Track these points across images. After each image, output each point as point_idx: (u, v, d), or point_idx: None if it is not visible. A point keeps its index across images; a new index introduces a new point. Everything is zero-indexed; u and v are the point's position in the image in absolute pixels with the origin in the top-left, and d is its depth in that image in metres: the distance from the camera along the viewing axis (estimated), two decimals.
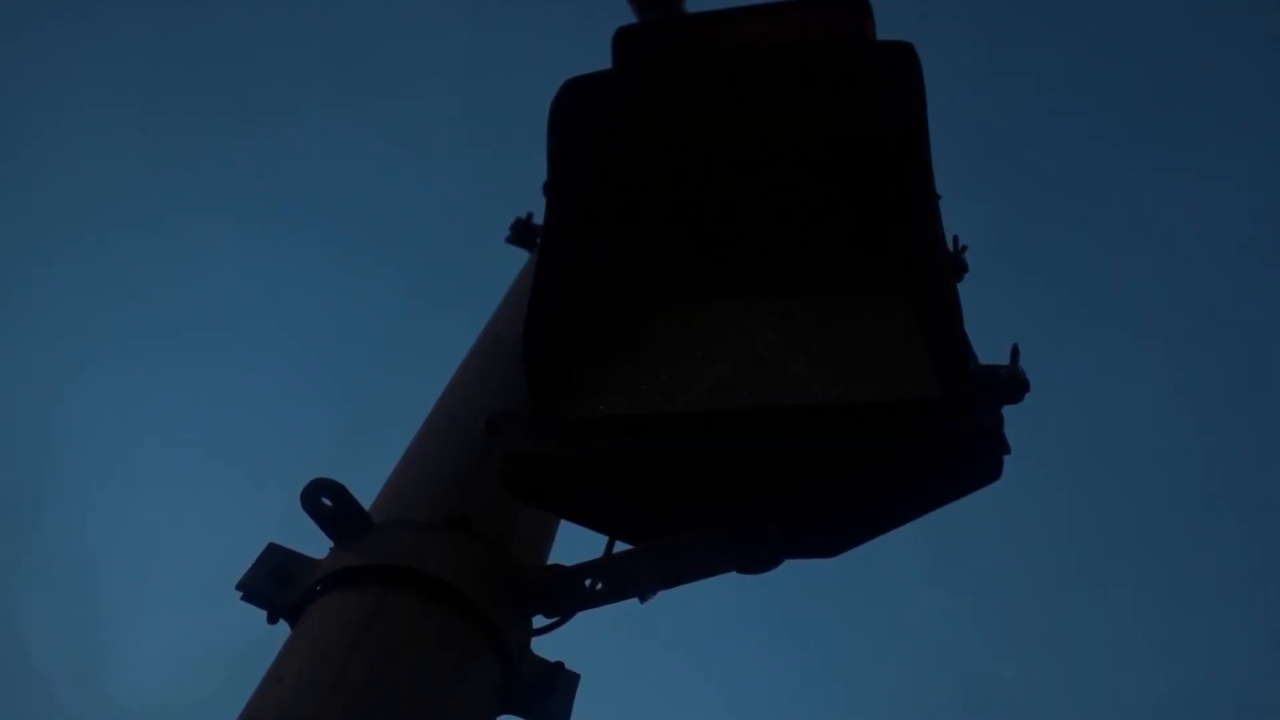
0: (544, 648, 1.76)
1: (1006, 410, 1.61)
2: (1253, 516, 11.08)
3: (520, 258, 2.92)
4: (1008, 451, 1.54)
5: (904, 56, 1.84)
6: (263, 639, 1.69)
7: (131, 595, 11.55)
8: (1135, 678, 10.82)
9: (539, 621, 1.75)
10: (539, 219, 3.00)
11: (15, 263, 11.99)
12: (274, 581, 1.68)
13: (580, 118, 1.93)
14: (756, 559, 1.60)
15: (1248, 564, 10.84)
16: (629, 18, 3.72)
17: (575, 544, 1.88)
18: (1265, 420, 11.02)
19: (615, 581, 1.65)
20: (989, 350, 1.77)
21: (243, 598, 1.68)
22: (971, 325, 1.75)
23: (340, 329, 12.74)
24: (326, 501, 1.67)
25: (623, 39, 2.42)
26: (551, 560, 1.96)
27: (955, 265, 2.14)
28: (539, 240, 2.89)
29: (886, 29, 2.46)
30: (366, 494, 1.84)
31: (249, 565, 1.70)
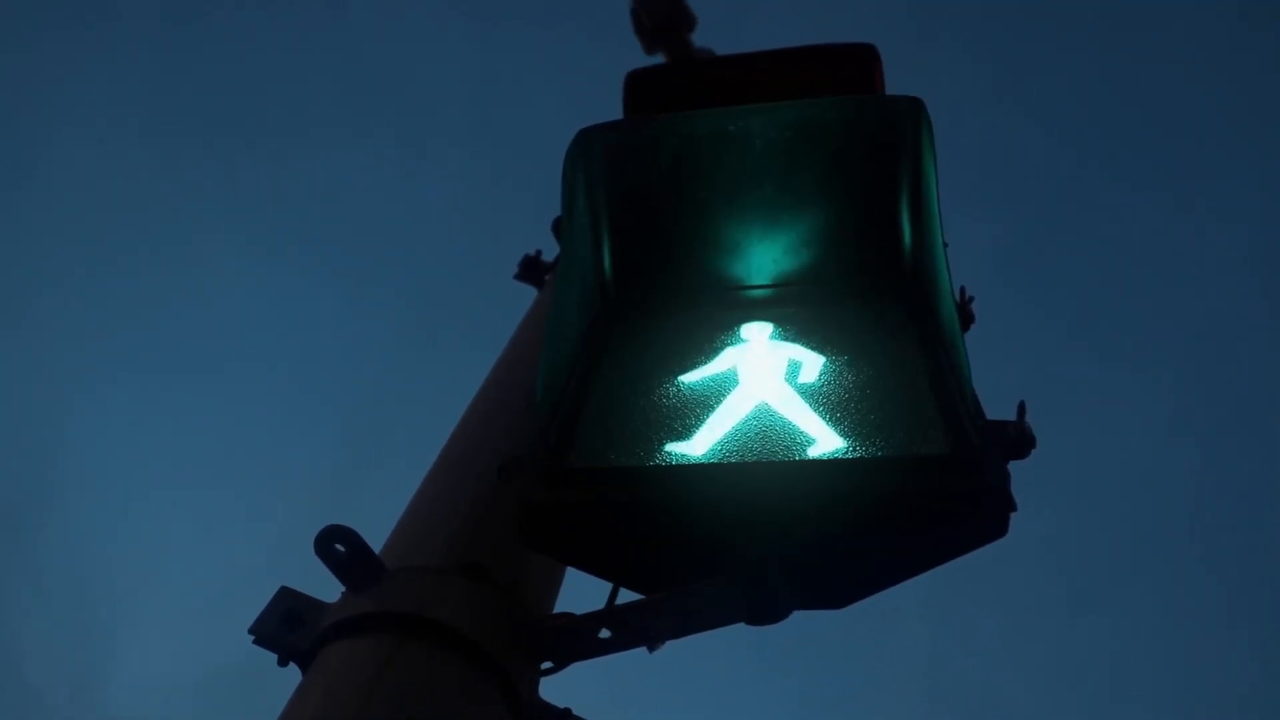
0: (550, 692, 1.78)
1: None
2: (1253, 538, 11.10)
3: (528, 294, 2.94)
4: (1014, 509, 1.56)
5: (912, 111, 1.87)
6: (259, 658, 1.70)
7: (129, 611, 11.55)
8: (1135, 702, 10.81)
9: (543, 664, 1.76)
10: (548, 255, 3.03)
11: (22, 278, 12.02)
12: (286, 625, 1.69)
13: (593, 165, 1.95)
14: (766, 611, 1.62)
15: (1248, 588, 10.85)
16: (635, 41, 3.76)
17: (579, 587, 1.90)
18: (1265, 446, 11.05)
19: (625, 631, 1.66)
20: (985, 373, 1.80)
21: (255, 641, 1.69)
22: (972, 348, 1.78)
23: (345, 353, 12.78)
24: (340, 548, 1.68)
25: (634, 83, 2.46)
26: (556, 604, 1.98)
27: (963, 316, 2.16)
28: (548, 278, 2.92)
29: (893, 50, 2.49)
30: (364, 516, 1.85)
31: (247, 587, 1.72)
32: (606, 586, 1.78)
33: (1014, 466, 1.62)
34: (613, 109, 2.64)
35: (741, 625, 1.68)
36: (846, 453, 1.67)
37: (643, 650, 1.69)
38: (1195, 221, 12.11)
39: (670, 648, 1.72)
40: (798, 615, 1.71)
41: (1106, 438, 11.72)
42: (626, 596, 1.75)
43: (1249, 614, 10.88)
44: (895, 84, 2.43)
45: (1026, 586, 11.49)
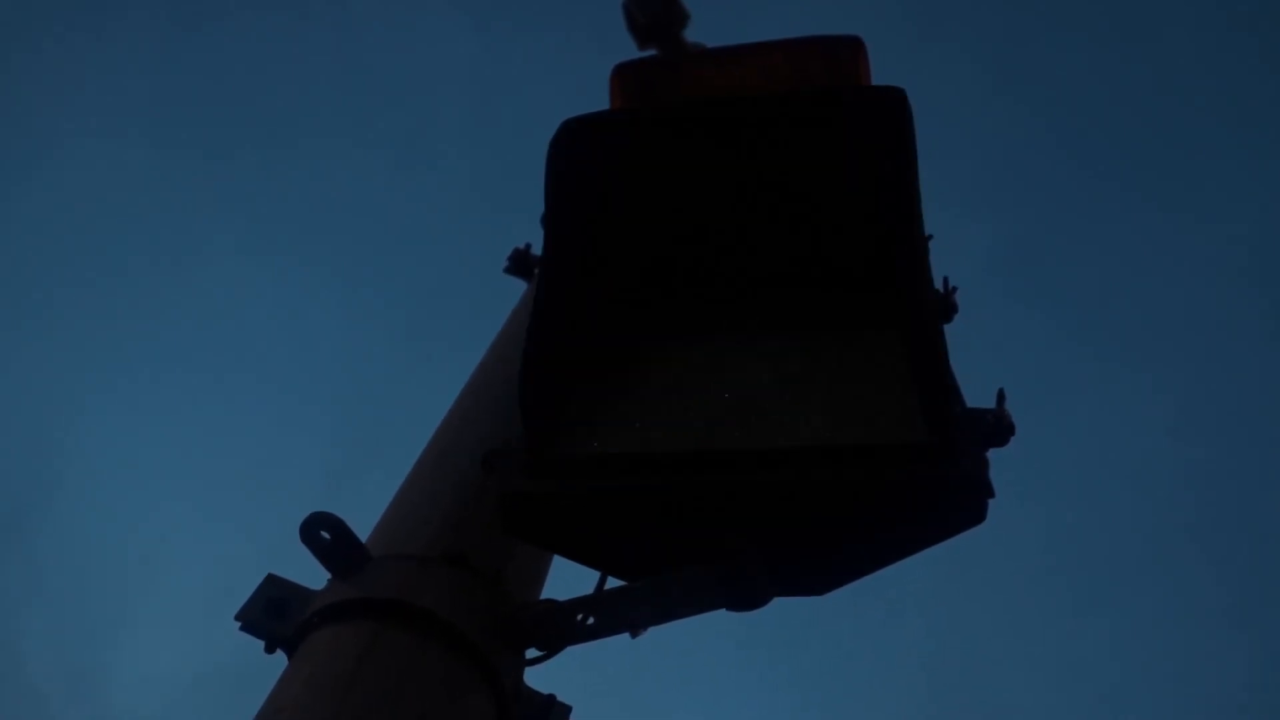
0: (536, 679, 1.80)
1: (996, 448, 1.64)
2: (1256, 538, 11.10)
3: (518, 287, 2.96)
4: (992, 496, 1.57)
5: (894, 102, 1.88)
6: (260, 656, 1.72)
7: (130, 609, 11.59)
8: (1137, 703, 10.81)
9: (530, 653, 1.78)
10: (538, 249, 3.05)
11: (26, 279, 12.07)
12: (272, 613, 1.71)
13: (577, 158, 1.96)
14: (746, 597, 1.63)
15: (1252, 589, 10.85)
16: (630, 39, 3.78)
17: (568, 576, 1.91)
18: (1267, 445, 11.05)
19: (607, 617, 1.68)
20: (983, 374, 1.81)
21: (241, 628, 1.71)
22: (966, 348, 1.79)
23: (344, 353, 12.81)
24: (325, 535, 1.70)
25: (621, 76, 2.47)
26: (543, 593, 1.99)
27: (945, 306, 2.17)
28: (536, 273, 2.93)
29: (889, 50, 2.50)
30: (361, 516, 1.86)
31: (246, 585, 1.74)
32: (592, 576, 1.79)
33: (1015, 465, 1.63)
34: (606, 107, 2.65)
35: (735, 617, 1.70)
36: (827, 440, 1.68)
37: (641, 645, 1.71)
38: (1193, 221, 12.12)
39: (665, 642, 1.74)
40: (789, 607, 1.72)
41: (1107, 437, 11.72)
42: (614, 585, 1.77)
43: (1253, 615, 10.88)
44: (892, 83, 2.44)
45: (1028, 586, 11.50)
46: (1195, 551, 11.31)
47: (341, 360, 12.77)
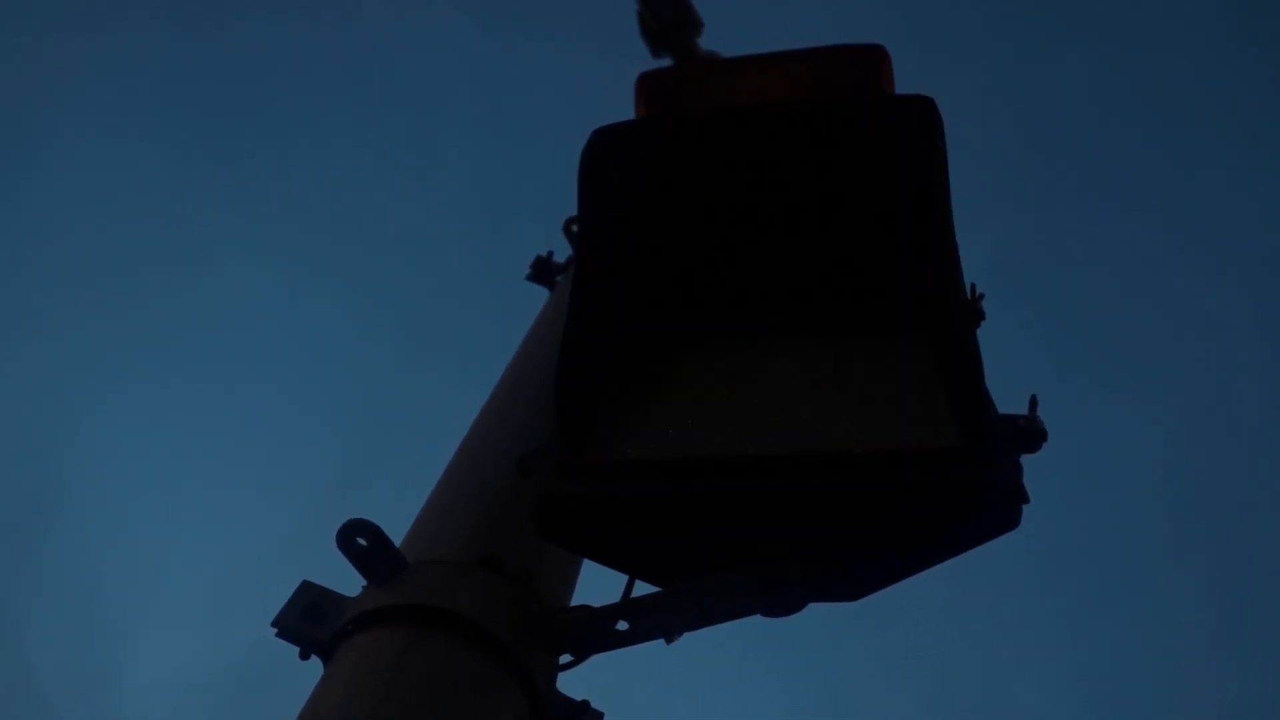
0: (567, 685, 1.80)
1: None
2: (1253, 540, 11.11)
3: (526, 292, 2.98)
4: (1027, 501, 1.58)
5: (925, 110, 1.89)
6: (267, 658, 1.73)
7: (137, 613, 11.60)
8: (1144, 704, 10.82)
9: (562, 658, 1.78)
10: (559, 257, 3.07)
11: (32, 282, 12.07)
12: (308, 619, 1.71)
13: (609, 166, 1.98)
14: (781, 602, 1.64)
15: (1260, 591, 10.85)
16: (643, 46, 3.79)
17: (595, 580, 1.92)
18: (1259, 451, 11.07)
19: (643, 622, 1.69)
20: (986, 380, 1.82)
21: (278, 634, 1.72)
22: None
23: (346, 357, 12.81)
24: (361, 541, 1.71)
25: (645, 85, 2.48)
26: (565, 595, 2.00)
27: (973, 313, 2.18)
28: (559, 279, 2.95)
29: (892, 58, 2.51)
30: (374, 517, 1.86)
31: (251, 589, 1.75)
32: (622, 581, 1.80)
33: (1028, 469, 1.63)
34: (620, 110, 2.67)
35: (752, 619, 1.70)
36: (859, 445, 1.69)
37: (651, 647, 1.71)
38: (1193, 226, 12.14)
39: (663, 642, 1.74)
40: (808, 611, 1.73)
41: (1108, 441, 11.72)
42: (643, 589, 1.78)
43: (1254, 618, 10.88)
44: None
45: (1028, 587, 11.49)
46: (1197, 553, 11.31)
47: (348, 366, 12.78)
